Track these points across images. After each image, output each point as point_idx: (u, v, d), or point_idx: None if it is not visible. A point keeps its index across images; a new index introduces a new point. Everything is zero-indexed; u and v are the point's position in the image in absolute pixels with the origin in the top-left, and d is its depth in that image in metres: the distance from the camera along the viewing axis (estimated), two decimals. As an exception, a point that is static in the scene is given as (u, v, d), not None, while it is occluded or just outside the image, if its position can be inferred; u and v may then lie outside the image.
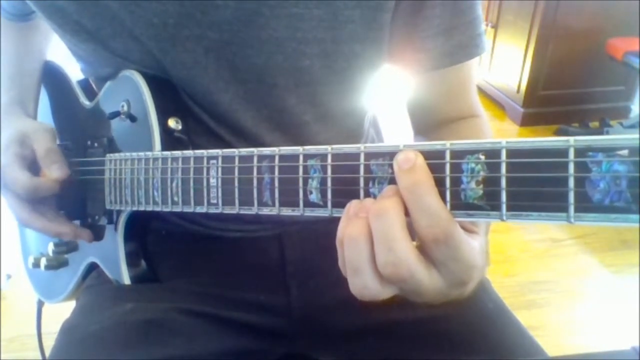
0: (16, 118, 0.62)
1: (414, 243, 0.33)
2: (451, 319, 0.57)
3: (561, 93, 2.74)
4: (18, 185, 0.56)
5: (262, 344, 0.60)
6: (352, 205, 0.34)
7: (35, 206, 0.59)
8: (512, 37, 2.77)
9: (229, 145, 0.58)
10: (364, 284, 0.34)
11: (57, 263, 0.66)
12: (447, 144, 0.31)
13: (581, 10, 2.51)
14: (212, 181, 0.44)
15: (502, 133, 2.77)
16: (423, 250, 0.33)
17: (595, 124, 2.65)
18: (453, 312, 0.57)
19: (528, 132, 2.75)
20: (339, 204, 0.36)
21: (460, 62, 0.57)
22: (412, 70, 0.59)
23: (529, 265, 1.79)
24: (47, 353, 0.57)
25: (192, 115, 0.57)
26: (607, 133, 2.53)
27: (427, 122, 0.64)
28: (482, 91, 3.12)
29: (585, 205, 0.26)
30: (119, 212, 0.58)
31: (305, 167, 0.38)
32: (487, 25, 2.96)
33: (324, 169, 0.37)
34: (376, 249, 0.32)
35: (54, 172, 0.57)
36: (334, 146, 0.36)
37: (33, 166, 0.58)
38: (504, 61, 2.90)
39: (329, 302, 0.60)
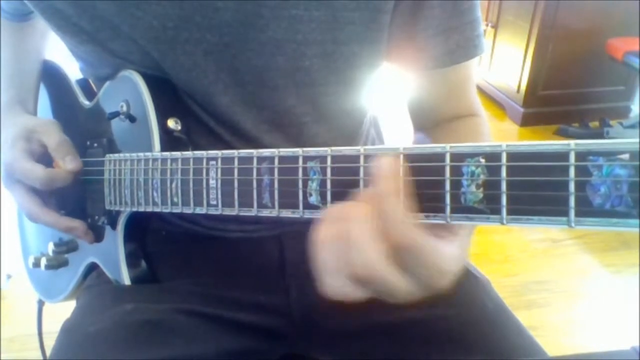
0: (17, 115, 0.62)
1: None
2: (451, 319, 0.57)
3: (561, 93, 2.74)
4: (32, 176, 0.56)
5: (262, 344, 0.60)
6: (328, 209, 0.36)
7: (45, 200, 0.60)
8: (512, 37, 2.77)
9: (229, 146, 0.58)
10: (336, 284, 0.35)
11: (57, 263, 0.66)
12: (447, 147, 0.31)
13: (581, 10, 2.51)
14: (212, 182, 0.44)
15: (502, 133, 2.77)
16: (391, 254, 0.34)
17: (595, 124, 2.65)
18: (453, 312, 0.57)
19: (528, 132, 2.75)
20: (339, 206, 0.36)
21: (459, 63, 0.58)
22: (411, 69, 0.60)
23: (529, 265, 1.79)
24: (47, 353, 0.57)
25: (192, 116, 0.57)
26: (607, 133, 2.53)
27: (426, 120, 0.65)
28: (482, 91, 3.12)
29: (586, 210, 0.26)
30: (118, 212, 0.58)
31: (304, 169, 0.38)
32: (487, 25, 2.95)
33: (323, 171, 0.37)
34: (347, 251, 0.33)
35: (69, 163, 0.57)
36: (334, 148, 0.36)
37: (41, 160, 0.58)
38: (504, 61, 2.90)
39: (329, 302, 0.60)
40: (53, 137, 0.58)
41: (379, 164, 0.33)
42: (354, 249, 0.33)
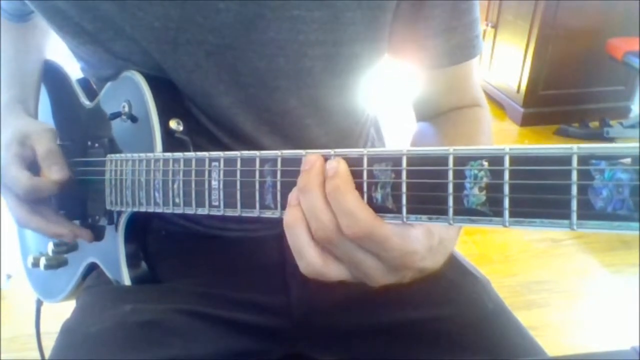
0: (17, 117, 0.62)
1: None
2: (451, 319, 0.57)
3: (561, 93, 2.74)
4: (18, 185, 0.56)
5: (262, 344, 0.60)
6: (289, 195, 0.38)
7: (34, 206, 0.59)
8: (512, 37, 2.77)
9: (228, 149, 0.58)
10: (307, 262, 0.37)
11: (56, 263, 0.66)
12: (450, 150, 0.31)
13: (581, 10, 2.51)
14: (214, 183, 0.44)
15: (502, 133, 2.77)
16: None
17: (595, 124, 2.65)
18: (453, 312, 0.57)
19: (528, 132, 2.75)
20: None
21: (459, 63, 0.58)
22: (412, 67, 0.60)
23: (529, 265, 1.79)
24: (47, 353, 0.57)
25: (192, 117, 0.57)
26: (607, 133, 2.53)
27: (428, 112, 0.65)
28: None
29: (588, 213, 0.26)
30: (119, 212, 0.58)
31: None
32: (487, 25, 2.95)
33: None
34: (310, 224, 0.36)
35: (54, 173, 0.57)
36: (337, 150, 0.36)
37: (33, 166, 0.58)
38: (504, 61, 2.90)
39: (329, 302, 0.61)
40: (43, 145, 0.58)
41: (332, 165, 0.35)
42: (313, 221, 0.36)
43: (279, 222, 0.40)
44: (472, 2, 0.56)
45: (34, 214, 0.59)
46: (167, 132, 0.53)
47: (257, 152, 0.40)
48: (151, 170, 0.50)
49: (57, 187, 0.58)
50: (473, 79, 0.63)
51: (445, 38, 0.56)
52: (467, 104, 0.63)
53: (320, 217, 0.35)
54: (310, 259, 0.37)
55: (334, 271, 0.38)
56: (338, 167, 0.35)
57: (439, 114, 0.64)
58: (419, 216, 0.33)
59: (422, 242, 0.36)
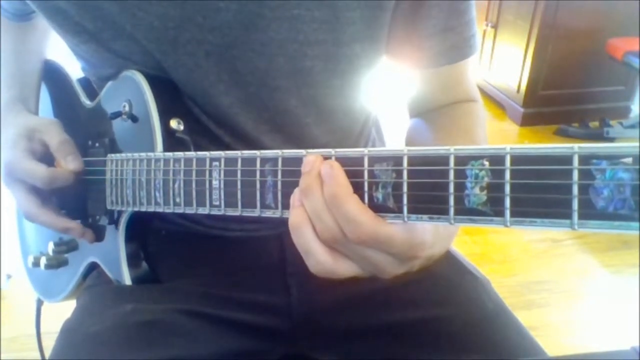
0: (17, 115, 0.62)
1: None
2: (451, 319, 0.57)
3: (561, 93, 2.74)
4: (35, 175, 0.56)
5: (263, 344, 0.60)
6: (292, 196, 0.38)
7: (44, 201, 0.60)
8: (512, 37, 2.77)
9: (229, 148, 0.58)
10: (316, 260, 0.37)
11: (57, 262, 0.66)
12: (451, 149, 0.31)
13: (581, 10, 2.52)
14: (215, 183, 0.44)
15: (502, 133, 2.77)
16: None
17: (595, 124, 2.66)
18: (453, 312, 0.57)
19: (528, 132, 2.75)
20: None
21: (455, 62, 0.59)
22: (408, 67, 0.61)
23: (529, 265, 1.79)
24: (47, 353, 0.57)
25: (193, 117, 0.57)
26: (607, 133, 2.53)
27: (422, 109, 0.66)
28: (482, 91, 3.12)
29: (589, 212, 0.26)
30: (120, 212, 0.58)
31: None
32: (487, 25, 2.96)
33: None
34: (315, 225, 0.36)
35: (70, 163, 0.58)
36: (338, 150, 0.36)
37: (43, 159, 0.58)
38: (504, 61, 2.90)
39: (329, 302, 0.61)
40: (55, 136, 0.58)
41: (326, 170, 0.35)
42: (317, 222, 0.36)
43: (279, 221, 0.40)
44: (468, 1, 0.56)
45: (44, 207, 0.59)
46: (167, 132, 0.53)
47: (257, 152, 0.40)
48: (152, 169, 0.50)
49: (73, 176, 0.58)
50: (467, 76, 0.64)
51: (443, 38, 0.57)
52: (461, 100, 0.63)
53: (324, 219, 0.35)
54: (319, 257, 0.37)
55: (344, 268, 0.37)
56: (332, 172, 0.35)
57: (433, 110, 0.64)
58: (420, 216, 0.33)
59: (429, 229, 0.37)
